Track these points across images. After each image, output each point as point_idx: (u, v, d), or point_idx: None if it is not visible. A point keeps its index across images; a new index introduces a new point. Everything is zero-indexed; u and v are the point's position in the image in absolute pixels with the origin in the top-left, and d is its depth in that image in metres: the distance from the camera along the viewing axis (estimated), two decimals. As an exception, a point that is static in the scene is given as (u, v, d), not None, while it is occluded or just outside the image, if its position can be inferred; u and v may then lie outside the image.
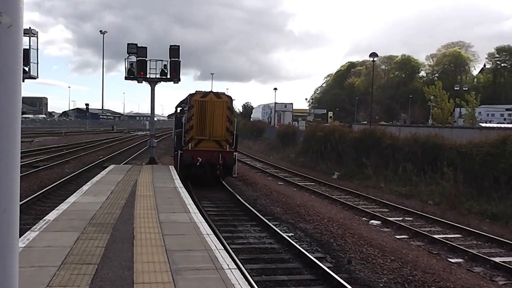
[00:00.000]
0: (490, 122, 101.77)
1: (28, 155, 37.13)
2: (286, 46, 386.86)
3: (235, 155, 26.59)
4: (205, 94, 26.14)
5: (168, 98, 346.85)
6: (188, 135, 25.68)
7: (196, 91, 26.37)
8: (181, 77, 31.17)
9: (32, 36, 27.76)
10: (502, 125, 63.96)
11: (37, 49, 28.37)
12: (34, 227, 11.48)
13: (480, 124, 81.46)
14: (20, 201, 18.29)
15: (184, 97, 29.87)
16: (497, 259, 15.30)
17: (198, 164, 25.34)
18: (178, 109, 33.36)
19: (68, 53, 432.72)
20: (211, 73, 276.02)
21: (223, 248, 10.16)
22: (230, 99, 26.98)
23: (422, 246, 17.01)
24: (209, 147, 25.59)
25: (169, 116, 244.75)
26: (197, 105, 25.62)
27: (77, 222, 11.98)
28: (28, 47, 27.12)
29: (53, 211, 13.59)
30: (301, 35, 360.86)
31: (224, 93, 27.32)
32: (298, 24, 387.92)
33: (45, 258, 8.92)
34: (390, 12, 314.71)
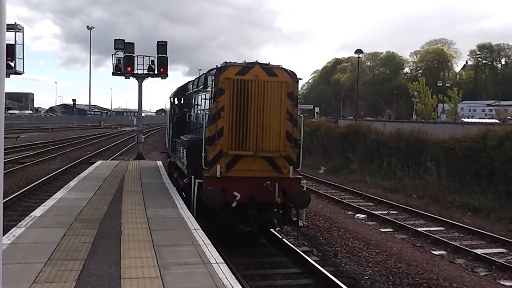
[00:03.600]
0: (472, 117, 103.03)
1: (14, 151, 36.97)
2: (274, 43, 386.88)
3: (304, 184, 15.11)
4: (246, 67, 14.09)
5: (156, 94, 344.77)
6: (213, 148, 13.90)
7: (226, 63, 14.41)
8: (169, 72, 31.36)
9: (18, 31, 27.59)
10: (483, 120, 64.48)
11: (23, 44, 28.22)
12: (20, 223, 11.43)
13: (462, 119, 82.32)
14: (6, 197, 18.36)
15: (194, 78, 18.85)
16: (479, 251, 15.76)
17: (233, 205, 13.61)
18: (180, 99, 22.24)
19: (55, 49, 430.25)
20: (198, 69, 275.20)
21: (210, 243, 10.22)
22: (292, 76, 14.38)
23: (406, 239, 17.32)
24: (255, 171, 14.07)
25: (157, 111, 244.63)
26: (231, 89, 13.87)
27: (63, 218, 11.95)
28: (13, 43, 26.96)
29: (39, 207, 13.53)
30: (290, 32, 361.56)
31: (281, 67, 14.50)
32: (287, 21, 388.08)
33: (31, 254, 8.89)
34: (378, 10, 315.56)
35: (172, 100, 23.65)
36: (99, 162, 27.29)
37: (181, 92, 21.81)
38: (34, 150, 38.91)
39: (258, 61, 14.33)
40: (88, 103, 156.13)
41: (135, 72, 31.18)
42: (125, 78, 31.44)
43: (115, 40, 30.61)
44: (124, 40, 30.63)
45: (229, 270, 8.48)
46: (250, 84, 13.89)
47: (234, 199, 13.50)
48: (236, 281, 7.93)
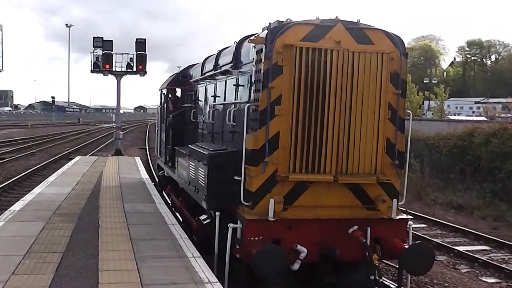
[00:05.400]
0: (459, 115, 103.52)
1: (-7, 147, 36.70)
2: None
3: (410, 229, 9.62)
4: (320, 27, 8.65)
5: (135, 91, 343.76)
6: (261, 168, 8.52)
7: (280, 22, 8.65)
8: (149, 70, 31.37)
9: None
10: (470, 118, 64.97)
11: (2, 42, 28.11)
12: (-1, 217, 11.53)
13: (449, 117, 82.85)
14: (-15, 192, 18.33)
15: (206, 58, 13.43)
16: (461, 248, 15.90)
17: (295, 267, 8.51)
18: (175, 91, 17.09)
19: (35, 47, 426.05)
20: (178, 66, 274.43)
21: (187, 237, 10.38)
22: (399, 45, 9.05)
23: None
24: (333, 208, 8.95)
25: (135, 108, 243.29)
26: (294, 66, 8.40)
27: (42, 212, 12.05)
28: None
29: (18, 201, 13.63)
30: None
31: (380, 28, 9.10)
32: (269, 18, 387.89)
33: (10, 247, 9.02)
34: (366, 7, 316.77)
35: (163, 93, 17.49)
36: (78, 158, 27.28)
37: (177, 81, 16.49)
38: (13, 146, 38.65)
39: (339, 17, 8.81)
40: (67, 100, 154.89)
41: (113, 69, 31.28)
42: (104, 75, 31.61)
43: (94, 37, 30.80)
44: (102, 37, 30.84)
45: (205, 264, 8.65)
46: (327, 56, 8.45)
47: (297, 257, 8.43)
48: (212, 274, 8.12)
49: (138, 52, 30.97)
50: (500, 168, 22.99)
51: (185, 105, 15.33)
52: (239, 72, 9.95)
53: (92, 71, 31.43)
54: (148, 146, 42.80)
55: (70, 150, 37.29)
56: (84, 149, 39.68)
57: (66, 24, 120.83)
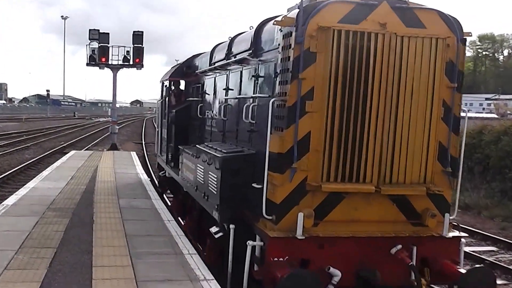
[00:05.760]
0: (468, 111, 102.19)
1: (-14, 140, 36.52)
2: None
3: (462, 248, 8.08)
4: (363, 5, 7.25)
5: (131, 85, 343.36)
6: (287, 175, 7.18)
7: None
8: (146, 63, 31.20)
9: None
10: (480, 115, 64.26)
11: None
12: (-8, 212, 11.43)
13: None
14: (-22, 186, 18.19)
15: (216, 45, 12.20)
16: (467, 249, 15.54)
17: None
18: (178, 83, 15.88)
19: (31, 39, 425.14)
20: (176, 60, 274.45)
21: (183, 234, 10.30)
22: (455, 29, 7.62)
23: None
24: (372, 224, 7.61)
25: (131, 103, 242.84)
26: (331, 52, 7.02)
27: (36, 207, 11.95)
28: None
29: (12, 196, 13.55)
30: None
31: (432, 8, 7.65)
32: (267, 11, 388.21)
33: (3, 242, 8.93)
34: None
35: (165, 85, 16.13)
36: (72, 152, 27.17)
37: (181, 71, 15.08)
38: (7, 140, 38.45)
39: None
40: (62, 94, 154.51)
41: (109, 62, 31.06)
42: (100, 68, 31.39)
43: (90, 30, 30.40)
44: (99, 30, 30.46)
45: (201, 261, 8.57)
46: (371, 41, 7.12)
47: (330, 282, 7.21)
48: (208, 271, 8.03)
49: (135, 45, 30.67)
50: (511, 167, 22.57)
51: (190, 99, 13.87)
52: (259, 61, 8.55)
53: (88, 64, 31.16)
54: (144, 141, 42.69)
55: (65, 144, 37.15)
56: (79, 144, 39.55)
57: (62, 16, 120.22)
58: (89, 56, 30.83)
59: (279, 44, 7.45)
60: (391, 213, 7.57)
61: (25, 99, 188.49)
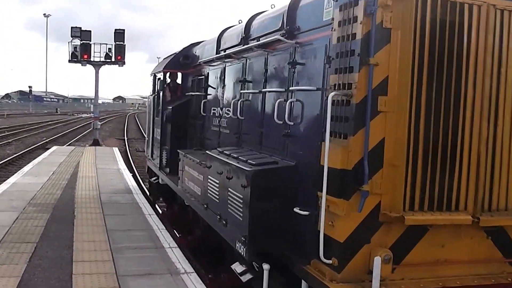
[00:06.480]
0: None
1: (-33, 136, 36.18)
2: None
3: None
4: None
5: (113, 81, 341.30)
6: (354, 201, 4.96)
7: None
8: (128, 60, 31.33)
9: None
10: None
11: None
12: (-28, 207, 11.35)
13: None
14: (-42, 181, 18.03)
15: (227, 28, 10.10)
16: None
17: None
18: (176, 76, 13.48)
19: (13, 36, 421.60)
20: (157, 57, 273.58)
21: (164, 228, 10.31)
22: None
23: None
24: (464, 266, 5.47)
25: (114, 99, 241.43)
26: (412, 30, 4.94)
27: (17, 202, 11.91)
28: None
29: (-8, 191, 13.45)
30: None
31: None
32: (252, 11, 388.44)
33: (-18, 237, 8.89)
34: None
35: (158, 78, 13.76)
36: (54, 148, 27.03)
37: (177, 62, 12.81)
38: (-12, 136, 38.15)
39: None
40: (45, 90, 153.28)
41: (91, 59, 31.25)
42: (82, 65, 31.71)
43: (72, 27, 30.77)
44: (80, 28, 30.84)
45: (182, 254, 8.60)
46: (464, 15, 5.21)
47: None
48: (189, 264, 8.08)
49: (117, 43, 30.98)
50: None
51: (190, 93, 11.84)
52: (296, 43, 6.49)
53: (70, 61, 31.43)
54: (126, 137, 42.52)
55: (46, 140, 36.91)
56: (61, 139, 39.31)
57: (44, 14, 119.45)
58: (71, 53, 31.01)
59: (332, 19, 5.41)
60: (484, 249, 5.60)
61: (7, 96, 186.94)
